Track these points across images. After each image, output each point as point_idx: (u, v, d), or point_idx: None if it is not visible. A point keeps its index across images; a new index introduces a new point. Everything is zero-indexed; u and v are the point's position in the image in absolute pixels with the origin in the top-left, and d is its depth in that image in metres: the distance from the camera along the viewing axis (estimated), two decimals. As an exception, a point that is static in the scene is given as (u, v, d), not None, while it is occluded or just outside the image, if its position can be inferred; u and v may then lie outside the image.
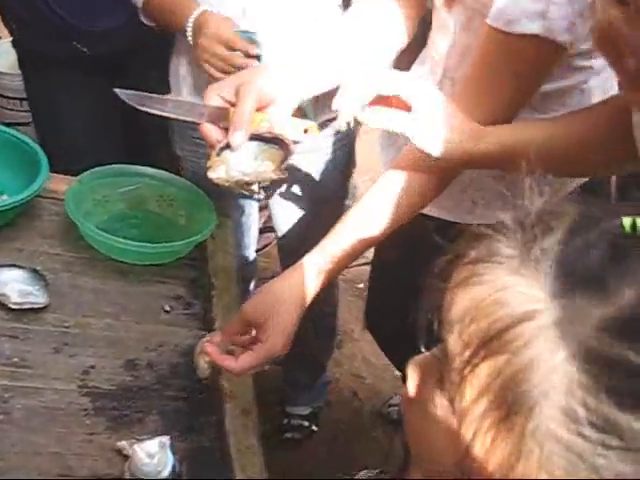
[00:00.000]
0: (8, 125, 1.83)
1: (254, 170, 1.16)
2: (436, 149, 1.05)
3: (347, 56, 1.27)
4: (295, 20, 1.57)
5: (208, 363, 1.20)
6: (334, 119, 1.76)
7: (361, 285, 2.88)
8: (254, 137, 1.15)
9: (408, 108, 1.03)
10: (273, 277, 1.21)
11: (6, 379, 1.17)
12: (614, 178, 1.40)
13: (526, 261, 0.51)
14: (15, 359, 1.21)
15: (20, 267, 1.34)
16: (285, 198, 1.87)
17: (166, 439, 1.11)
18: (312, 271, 1.13)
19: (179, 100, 1.23)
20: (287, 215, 1.90)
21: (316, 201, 1.84)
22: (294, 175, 1.79)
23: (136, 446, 1.09)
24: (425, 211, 1.26)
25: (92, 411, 1.18)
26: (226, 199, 1.71)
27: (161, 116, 1.20)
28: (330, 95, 1.56)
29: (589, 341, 0.47)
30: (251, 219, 2.01)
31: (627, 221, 0.50)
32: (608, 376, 0.46)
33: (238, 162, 1.15)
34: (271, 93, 1.14)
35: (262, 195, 2.08)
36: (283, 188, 1.85)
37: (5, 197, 1.47)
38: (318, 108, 1.67)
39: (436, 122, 1.04)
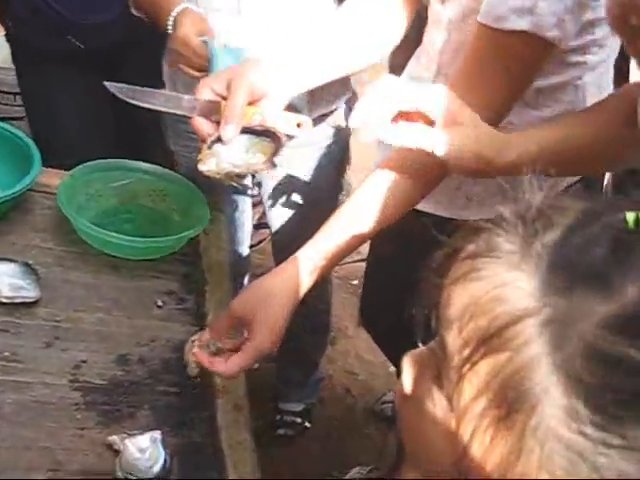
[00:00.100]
0: (2, 120, 1.82)
1: (245, 162, 1.16)
2: (462, 162, 1.02)
3: (341, 50, 1.27)
4: (290, 19, 1.56)
5: (197, 362, 1.20)
6: (329, 114, 1.76)
7: (355, 282, 2.88)
8: (246, 130, 1.15)
9: (429, 121, 1.00)
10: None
11: (-3, 373, 1.17)
12: (608, 174, 1.40)
13: (527, 256, 0.50)
14: (6, 353, 1.20)
15: (12, 261, 1.33)
16: (279, 194, 1.87)
17: (157, 434, 1.10)
18: (305, 266, 1.13)
19: (170, 94, 1.23)
20: (281, 211, 1.90)
21: (310, 197, 1.83)
22: (288, 170, 1.79)
23: (127, 441, 1.08)
24: (420, 207, 1.26)
25: (83, 406, 1.17)
26: (220, 194, 1.71)
27: (152, 109, 1.20)
28: (325, 90, 1.56)
29: (591, 338, 0.46)
30: (245, 215, 2.01)
31: (630, 216, 0.49)
32: (610, 374, 0.45)
33: (229, 155, 1.15)
34: (264, 86, 1.14)
35: (256, 191, 2.08)
36: (277, 184, 1.84)
37: (-3, 191, 1.46)
38: (314, 103, 1.67)
39: (461, 135, 1.00)
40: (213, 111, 1.15)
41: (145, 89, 1.21)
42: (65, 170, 1.54)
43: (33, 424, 1.12)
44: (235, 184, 1.21)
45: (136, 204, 1.59)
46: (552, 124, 1.12)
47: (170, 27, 1.56)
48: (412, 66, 1.45)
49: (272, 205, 1.90)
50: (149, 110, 1.20)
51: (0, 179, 1.48)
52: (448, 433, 0.54)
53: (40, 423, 1.12)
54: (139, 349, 1.29)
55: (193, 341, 1.18)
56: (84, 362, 1.24)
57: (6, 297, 1.27)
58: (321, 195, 1.82)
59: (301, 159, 1.78)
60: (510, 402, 0.48)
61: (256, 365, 1.16)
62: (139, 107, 1.20)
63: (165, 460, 1.08)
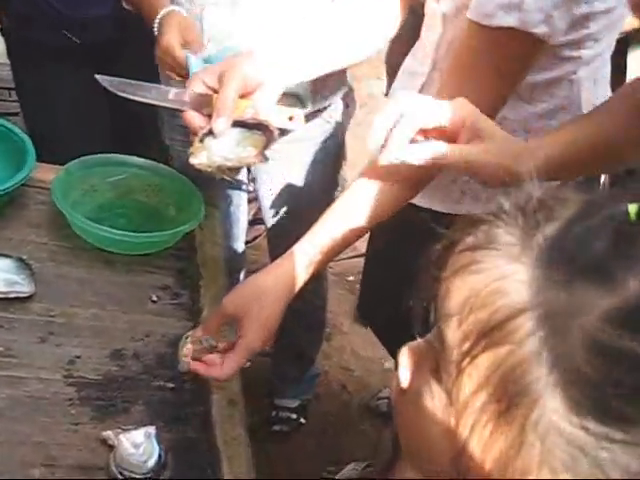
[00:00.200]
0: (-3, 115, 1.82)
1: (236, 155, 1.16)
2: (487, 176, 1.00)
3: (335, 43, 1.27)
4: (285, 12, 1.56)
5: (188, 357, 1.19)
6: (324, 109, 1.76)
7: (351, 278, 2.88)
8: (237, 123, 1.15)
9: (447, 135, 0.98)
10: (263, 269, 1.20)
11: (-9, 368, 1.17)
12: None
13: (527, 248, 0.49)
14: (0, 348, 1.20)
15: (6, 256, 1.33)
16: (275, 190, 1.87)
17: (152, 429, 1.10)
18: (301, 261, 1.13)
19: (162, 87, 1.23)
20: (276, 205, 1.89)
21: (306, 192, 1.83)
22: (284, 164, 1.79)
23: (121, 436, 1.08)
24: (415, 201, 1.25)
25: (77, 401, 1.17)
26: (215, 189, 1.71)
27: (144, 103, 1.20)
28: (322, 85, 1.56)
29: (593, 332, 0.45)
30: (240, 210, 2.01)
31: (633, 208, 0.48)
32: (612, 368, 0.44)
33: (220, 148, 1.15)
34: (256, 79, 1.13)
35: (251, 187, 2.08)
36: (273, 177, 1.84)
37: (-9, 186, 1.46)
38: (314, 97, 1.66)
39: (484, 148, 0.99)
40: (205, 104, 1.15)
41: (137, 82, 1.21)
42: (60, 165, 1.54)
43: (27, 419, 1.12)
44: (227, 177, 1.21)
45: (131, 199, 1.59)
46: (565, 128, 1.11)
47: (155, 30, 1.56)
48: (409, 61, 1.44)
49: (268, 200, 1.90)
50: (141, 103, 1.19)
51: (-6, 174, 1.48)
52: (447, 428, 0.54)
53: (34, 418, 1.12)
54: (134, 344, 1.29)
55: (187, 337, 1.18)
56: (78, 357, 1.23)
57: (0, 292, 1.27)
58: (317, 191, 1.82)
59: (297, 154, 1.78)
60: (511, 396, 0.47)
61: (248, 363, 1.16)
62: (132, 101, 1.20)
63: (159, 455, 1.08)
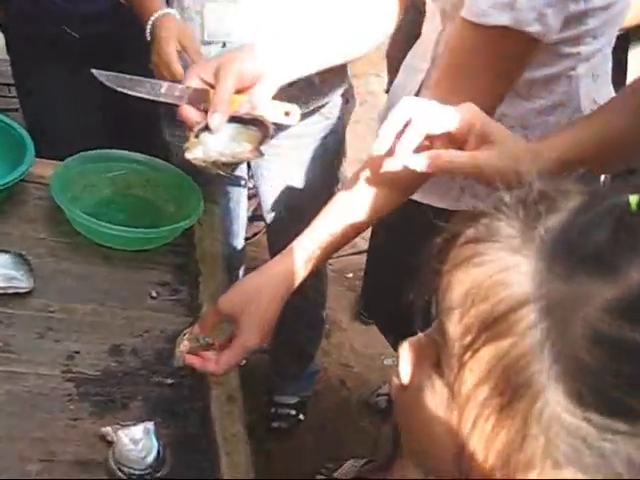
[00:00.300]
0: (-4, 111, 1.81)
1: (231, 151, 1.16)
2: (500, 181, 1.00)
3: (334, 38, 1.27)
4: (284, 8, 1.55)
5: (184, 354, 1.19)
6: (325, 106, 1.76)
7: (350, 275, 2.88)
8: (233, 119, 1.15)
9: (455, 140, 0.98)
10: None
11: (-11, 364, 1.16)
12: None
13: (528, 240, 0.49)
14: (-1, 344, 1.20)
15: (5, 251, 1.33)
16: (275, 186, 1.86)
17: (151, 425, 1.10)
18: (301, 256, 1.12)
19: (158, 82, 1.23)
20: (276, 203, 1.89)
21: (306, 189, 1.83)
22: (284, 161, 1.78)
23: (120, 432, 1.08)
24: (415, 198, 1.25)
25: (76, 396, 1.17)
26: (214, 185, 1.70)
27: (140, 98, 1.20)
28: (322, 81, 1.56)
29: (596, 323, 0.45)
30: (240, 206, 2.00)
31: (634, 199, 0.48)
32: (615, 358, 0.44)
33: (216, 143, 1.16)
34: (252, 75, 1.13)
35: (251, 184, 2.08)
36: (273, 174, 1.84)
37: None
38: (310, 93, 1.66)
39: (496, 154, 0.97)
40: (201, 99, 1.15)
41: (133, 77, 1.21)
42: (59, 161, 1.53)
43: (26, 415, 1.11)
44: (222, 172, 1.21)
45: (130, 195, 1.58)
46: (569, 128, 1.10)
47: (148, 31, 1.55)
48: (410, 58, 1.44)
49: (268, 196, 1.90)
50: (138, 98, 1.20)
51: (-7, 170, 1.48)
52: (448, 422, 0.53)
53: (33, 414, 1.12)
54: (132, 340, 1.28)
55: (185, 334, 1.18)
56: (77, 353, 1.23)
57: (-1, 287, 1.27)
58: (316, 187, 1.81)
59: (297, 151, 1.78)
60: (513, 389, 0.47)
61: (243, 361, 1.17)
62: (130, 96, 1.20)
63: (158, 451, 1.08)
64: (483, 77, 1.09)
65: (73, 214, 1.40)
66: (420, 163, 0.96)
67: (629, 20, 1.58)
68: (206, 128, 1.14)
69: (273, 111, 1.18)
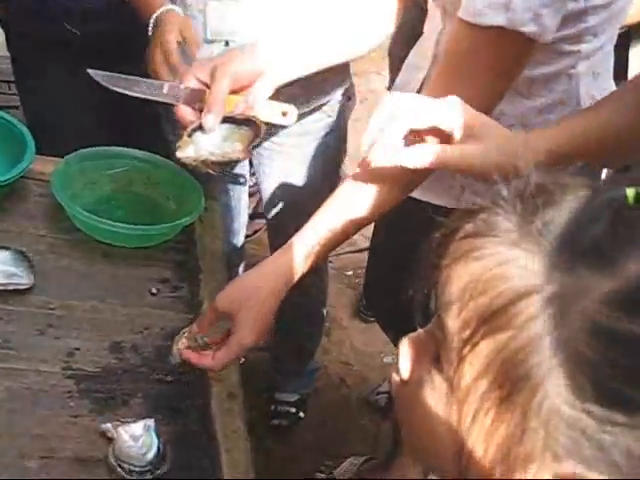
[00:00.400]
0: (-3, 108, 1.81)
1: (222, 151, 1.17)
2: (488, 175, 1.00)
3: (335, 37, 1.27)
4: (285, 6, 1.55)
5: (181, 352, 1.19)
6: (327, 103, 1.76)
7: (350, 273, 2.88)
8: (227, 119, 1.16)
9: (442, 135, 0.98)
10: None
11: (-11, 360, 1.16)
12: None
13: (526, 234, 0.49)
14: (-1, 340, 1.20)
15: (5, 248, 1.33)
16: (276, 183, 1.86)
17: (151, 422, 1.10)
18: (301, 253, 1.12)
19: (155, 82, 1.24)
20: (278, 200, 1.89)
21: (307, 186, 1.82)
22: (285, 158, 1.78)
23: (120, 429, 1.08)
24: (415, 195, 1.25)
25: (76, 393, 1.16)
26: (215, 183, 1.70)
27: (137, 97, 1.21)
28: (324, 79, 1.56)
29: (595, 315, 0.45)
30: (241, 204, 2.00)
31: (631, 192, 0.48)
32: (613, 350, 0.45)
33: (207, 143, 1.17)
34: (250, 74, 1.15)
35: (251, 182, 2.07)
36: (274, 171, 1.84)
37: (-10, 178, 1.45)
38: (311, 92, 1.66)
39: (482, 147, 0.98)
40: (197, 99, 1.17)
41: (129, 77, 1.22)
42: (60, 158, 1.53)
43: (26, 411, 1.11)
44: (212, 172, 1.23)
45: (131, 192, 1.58)
46: (569, 120, 1.10)
47: (151, 29, 1.52)
48: (412, 56, 1.44)
49: (269, 194, 1.90)
50: (135, 98, 1.21)
51: (-7, 166, 1.48)
52: (448, 417, 0.54)
53: (33, 410, 1.12)
54: (133, 337, 1.28)
55: (184, 333, 1.18)
56: (77, 350, 1.23)
57: (-1, 284, 1.27)
58: (318, 185, 1.81)
59: (298, 148, 1.78)
60: (512, 382, 0.48)
61: (242, 360, 1.17)
62: (123, 95, 1.21)
63: (158, 448, 1.08)
64: (480, 77, 1.09)
65: (73, 211, 1.40)
66: (408, 159, 0.97)
67: (631, 17, 1.58)
68: (200, 128, 1.15)
69: (270, 111, 1.19)
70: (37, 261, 1.34)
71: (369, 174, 1.12)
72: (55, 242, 1.42)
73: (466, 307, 0.51)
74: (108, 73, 1.21)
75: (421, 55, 1.37)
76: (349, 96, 1.87)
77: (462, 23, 1.07)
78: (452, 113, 0.97)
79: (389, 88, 2.84)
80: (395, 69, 1.92)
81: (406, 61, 1.46)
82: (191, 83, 1.18)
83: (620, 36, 1.29)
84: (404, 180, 1.12)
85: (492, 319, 0.49)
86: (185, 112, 1.19)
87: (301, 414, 2.36)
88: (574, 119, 1.09)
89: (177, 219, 1.45)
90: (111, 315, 1.31)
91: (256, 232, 2.85)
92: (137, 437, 1.07)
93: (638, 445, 0.45)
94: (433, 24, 1.31)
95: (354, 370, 2.56)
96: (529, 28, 1.02)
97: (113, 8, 1.82)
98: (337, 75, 1.69)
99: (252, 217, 2.66)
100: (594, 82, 1.24)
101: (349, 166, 2.16)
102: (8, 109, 2.53)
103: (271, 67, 1.19)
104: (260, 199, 2.35)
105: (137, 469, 1.06)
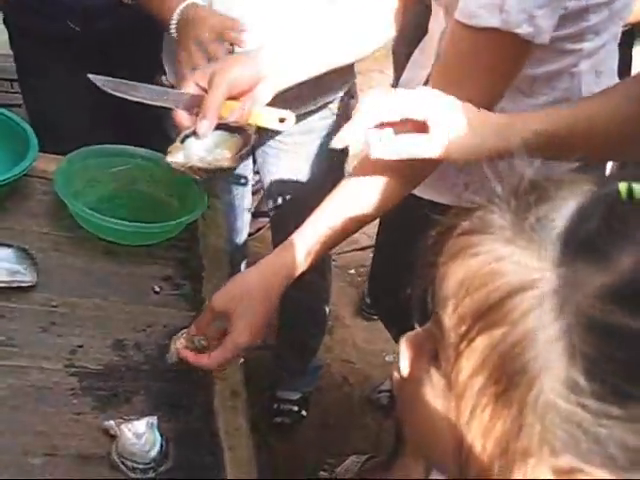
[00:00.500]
0: (-1, 107, 1.81)
1: (213, 157, 1.20)
2: (469, 159, 1.01)
3: (337, 42, 1.28)
4: (287, 12, 1.55)
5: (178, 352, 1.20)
6: (331, 102, 1.76)
7: (352, 271, 2.88)
8: (220, 126, 1.18)
9: (421, 126, 0.99)
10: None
11: (-8, 358, 1.16)
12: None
13: (520, 231, 0.50)
14: (2, 338, 1.20)
15: (8, 246, 1.33)
16: (280, 182, 1.86)
17: (154, 419, 1.10)
18: (301, 251, 1.13)
19: (154, 87, 1.26)
20: (281, 199, 1.89)
21: (311, 184, 1.82)
22: (289, 156, 1.79)
23: (123, 426, 1.09)
24: (417, 193, 1.25)
25: (79, 391, 1.17)
26: (218, 181, 1.70)
27: (138, 102, 1.23)
28: (330, 77, 1.56)
29: (589, 309, 0.46)
30: (245, 202, 2.00)
31: (623, 187, 0.48)
32: (608, 344, 0.45)
33: (198, 149, 1.20)
34: (248, 81, 1.17)
35: (253, 181, 2.08)
36: (278, 169, 1.84)
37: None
38: (320, 91, 1.67)
39: (459, 132, 0.99)
40: (195, 105, 1.18)
41: (129, 82, 1.24)
42: (63, 156, 1.53)
43: (29, 409, 1.11)
44: (198, 177, 1.25)
45: (134, 190, 1.58)
46: (562, 106, 1.11)
47: (174, 30, 1.51)
48: (417, 54, 1.45)
49: (272, 192, 1.90)
50: (136, 102, 1.22)
51: (-4, 164, 1.48)
52: (447, 414, 0.54)
53: (36, 408, 1.12)
54: (135, 334, 1.28)
55: (183, 334, 1.18)
56: (80, 347, 1.23)
57: (2, 281, 1.26)
58: (322, 183, 1.81)
59: (302, 146, 1.78)
60: (509, 376, 0.48)
61: (241, 360, 1.17)
62: (124, 99, 1.23)
63: (161, 445, 1.08)
64: (479, 77, 1.09)
65: (76, 209, 1.40)
66: (385, 151, 1.00)
67: (634, 15, 1.57)
68: (194, 133, 1.17)
69: (268, 117, 1.20)
70: (40, 259, 1.34)
71: (368, 171, 1.13)
72: (58, 240, 1.42)
73: (462, 303, 0.51)
74: (109, 78, 1.23)
75: (426, 53, 1.37)
76: (352, 94, 1.87)
77: (458, 25, 1.07)
78: (422, 103, 0.99)
79: (394, 86, 2.84)
80: (400, 67, 1.92)
81: (411, 59, 1.47)
82: (191, 89, 1.20)
83: (624, 34, 1.29)
84: (408, 174, 1.13)
85: (488, 314, 0.49)
86: (182, 117, 1.22)
87: (303, 412, 2.36)
88: (566, 105, 1.09)
89: (180, 217, 1.45)
90: (114, 313, 1.31)
91: (259, 230, 2.85)
92: (140, 434, 1.07)
93: (633, 438, 0.45)
94: (437, 23, 1.31)
95: (356, 368, 2.56)
96: (524, 29, 1.02)
97: (114, 5, 1.82)
98: (343, 74, 1.70)
99: (255, 215, 2.66)
100: (596, 80, 1.24)
101: (351, 164, 2.16)
102: (11, 107, 2.53)
103: (272, 72, 1.20)
104: (263, 197, 2.35)
105: (140, 466, 1.06)
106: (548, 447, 0.47)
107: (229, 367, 1.20)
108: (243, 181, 1.93)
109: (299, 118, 1.66)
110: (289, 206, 1.88)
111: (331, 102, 1.76)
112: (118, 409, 1.15)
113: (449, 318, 0.53)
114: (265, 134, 1.70)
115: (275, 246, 1.99)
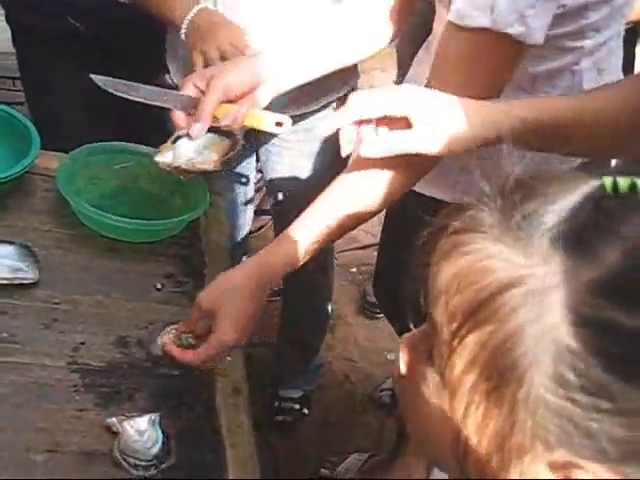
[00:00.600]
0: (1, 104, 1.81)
1: (199, 160, 1.25)
2: (460, 151, 1.02)
3: (338, 44, 1.29)
4: (289, 14, 1.55)
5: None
6: (335, 101, 1.76)
7: (354, 269, 2.88)
8: (212, 128, 1.21)
9: (405, 123, 1.00)
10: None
11: (-5, 355, 1.17)
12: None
13: (507, 229, 0.50)
14: (4, 334, 1.20)
15: (10, 243, 1.33)
16: (282, 180, 1.87)
17: (156, 416, 1.10)
18: (292, 249, 1.13)
19: (154, 88, 1.28)
20: (284, 194, 1.89)
21: (314, 182, 1.82)
22: (293, 154, 1.79)
23: (125, 423, 1.09)
24: (418, 189, 1.25)
25: (82, 388, 1.17)
26: (221, 178, 1.71)
27: (138, 102, 1.26)
28: (335, 78, 1.56)
29: (577, 305, 0.46)
30: (247, 200, 2.00)
31: (608, 181, 0.49)
32: (597, 339, 0.45)
33: (187, 151, 1.23)
34: (244, 86, 1.18)
35: (254, 180, 2.08)
36: (282, 167, 1.84)
37: (-4, 173, 1.45)
38: (323, 91, 1.67)
39: (447, 125, 1.00)
40: (192, 106, 1.21)
41: (128, 82, 1.27)
42: (65, 153, 1.53)
43: (31, 405, 1.12)
44: (183, 177, 1.28)
45: (136, 187, 1.58)
46: (557, 97, 1.11)
47: (184, 34, 1.50)
48: (422, 53, 1.45)
49: (275, 190, 1.90)
50: (136, 102, 1.25)
51: (-1, 161, 1.48)
52: (443, 411, 0.54)
53: (38, 404, 1.12)
54: (138, 331, 1.29)
55: (172, 329, 1.19)
56: (82, 344, 1.23)
57: (4, 278, 1.27)
58: (325, 181, 1.80)
59: (306, 145, 1.78)
60: (500, 372, 0.49)
61: (228, 358, 1.18)
62: (125, 99, 1.25)
63: (163, 442, 1.08)
64: (474, 76, 1.09)
65: (79, 206, 1.40)
66: (368, 151, 1.02)
67: (637, 13, 1.57)
68: (187, 135, 1.21)
69: (264, 120, 1.22)
70: (42, 256, 1.35)
71: (364, 167, 1.13)
72: (60, 237, 1.43)
73: (453, 300, 0.52)
74: (109, 78, 1.26)
75: (431, 52, 1.37)
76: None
77: (450, 25, 1.07)
78: (402, 100, 1.00)
79: (397, 84, 2.85)
80: (405, 65, 1.92)
81: (416, 57, 1.47)
82: (189, 91, 1.22)
83: (627, 32, 1.29)
84: (403, 171, 1.13)
85: (478, 312, 0.50)
86: (179, 118, 1.24)
87: (305, 411, 2.36)
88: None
89: (182, 214, 1.45)
90: (116, 310, 1.32)
91: (261, 228, 2.85)
92: (142, 431, 1.07)
93: (622, 430, 0.46)
94: (440, 22, 1.31)
95: (358, 366, 2.56)
96: (515, 29, 1.02)
97: (117, 3, 1.82)
98: (346, 74, 1.70)
99: (257, 213, 2.66)
100: (598, 78, 1.24)
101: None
102: (13, 105, 2.53)
103: (272, 75, 1.21)
104: (265, 195, 2.35)
105: (142, 463, 1.06)
106: (542, 442, 0.48)
107: (213, 364, 1.20)
108: (245, 180, 1.93)
109: (302, 117, 1.66)
110: (291, 203, 1.88)
111: (334, 101, 1.76)
112: (120, 406, 1.15)
113: (441, 315, 0.53)
114: (264, 136, 1.72)
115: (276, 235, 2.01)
